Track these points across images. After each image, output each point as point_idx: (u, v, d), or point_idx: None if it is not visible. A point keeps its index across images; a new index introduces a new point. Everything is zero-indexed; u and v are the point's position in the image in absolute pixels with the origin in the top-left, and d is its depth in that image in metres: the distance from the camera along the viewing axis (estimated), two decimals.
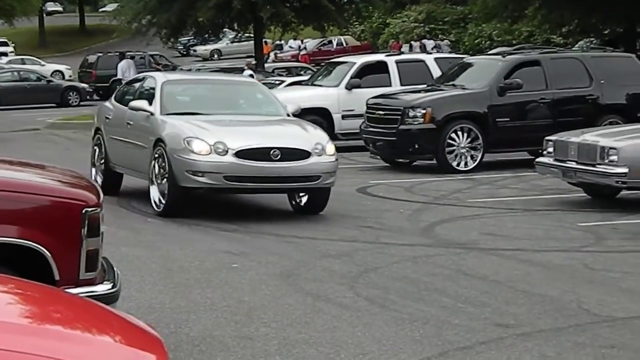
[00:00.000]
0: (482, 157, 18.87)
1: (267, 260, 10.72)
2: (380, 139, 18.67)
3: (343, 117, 22.71)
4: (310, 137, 12.48)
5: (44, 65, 55.50)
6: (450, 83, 20.19)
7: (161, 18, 35.60)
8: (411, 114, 18.87)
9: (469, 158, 18.80)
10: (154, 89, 13.89)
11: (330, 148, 11.94)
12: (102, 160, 14.90)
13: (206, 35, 46.79)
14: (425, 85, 20.67)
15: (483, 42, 46.00)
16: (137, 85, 15.70)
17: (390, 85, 22.89)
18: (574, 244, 12.18)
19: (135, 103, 13.66)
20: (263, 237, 12.34)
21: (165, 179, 12.35)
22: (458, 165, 18.81)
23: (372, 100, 19.91)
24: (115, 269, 6.16)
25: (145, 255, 11.55)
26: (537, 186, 16.68)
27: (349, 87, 22.72)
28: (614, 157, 13.65)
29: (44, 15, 72.33)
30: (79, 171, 7.49)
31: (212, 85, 15.75)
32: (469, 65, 21.92)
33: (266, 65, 34.84)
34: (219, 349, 7.51)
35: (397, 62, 24.93)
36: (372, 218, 13.95)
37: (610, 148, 13.81)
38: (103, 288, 5.78)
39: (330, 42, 57.75)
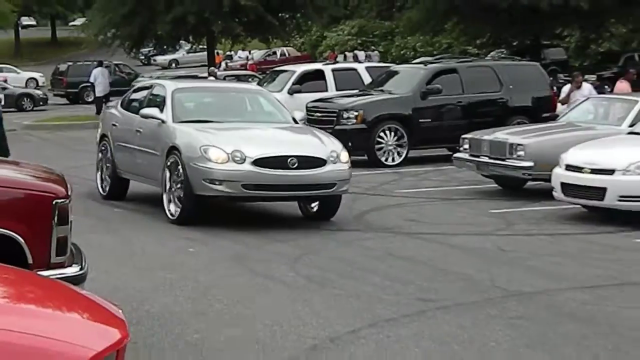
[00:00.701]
0: (407, 153, 19.24)
1: (220, 245, 10.64)
2: None
3: None
4: (326, 145, 11.33)
5: (19, 72, 55.78)
6: (379, 89, 20.55)
7: (124, 31, 35.35)
8: (345, 115, 19.13)
9: (395, 154, 19.09)
10: (164, 97, 12.44)
11: (345, 156, 10.98)
12: (109, 166, 13.41)
13: (165, 47, 46.53)
14: (357, 91, 20.99)
15: (408, 52, 46.69)
16: (144, 93, 14.05)
17: (327, 91, 23.28)
18: (487, 229, 12.39)
19: (146, 111, 12.17)
20: (216, 224, 11.92)
21: (179, 187, 11.12)
22: (386, 160, 19.08)
23: (311, 104, 20.11)
24: (83, 253, 6.10)
25: (112, 241, 11.42)
26: (455, 178, 16.79)
27: (291, 92, 22.88)
28: (521, 153, 14.04)
29: (20, 28, 71.90)
30: (51, 167, 7.10)
31: (220, 93, 14.24)
32: (396, 73, 22.33)
33: (218, 73, 34.75)
34: (177, 323, 7.45)
35: (333, 70, 25.40)
36: None
37: (518, 145, 14.24)
38: (72, 270, 5.81)
39: (274, 52, 58.45)
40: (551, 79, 23.12)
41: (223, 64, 51.14)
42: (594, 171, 12.70)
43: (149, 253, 10.79)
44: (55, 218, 5.89)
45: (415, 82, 19.42)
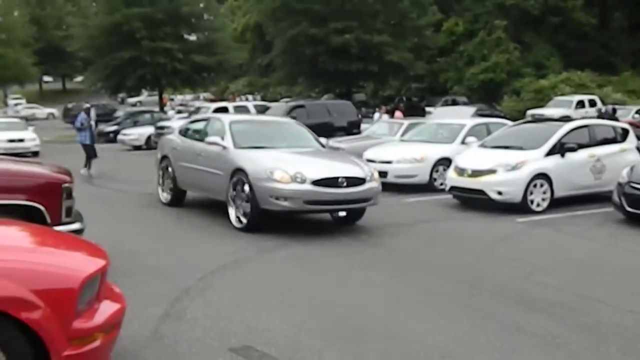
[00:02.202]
0: None
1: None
2: None
3: None
4: (363, 166, 9.69)
5: (42, 109, 62.77)
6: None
7: (107, 84, 40.44)
8: None
9: None
10: (222, 127, 10.50)
11: (376, 174, 9.51)
12: (171, 181, 11.37)
13: (132, 93, 54.20)
14: None
15: (277, 95, 47.04)
16: (202, 124, 11.91)
17: None
18: None
19: (211, 139, 10.15)
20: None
21: (245, 201, 9.11)
22: None
23: None
24: (82, 216, 6.51)
25: (105, 210, 11.16)
26: None
27: None
28: None
29: (42, 82, 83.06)
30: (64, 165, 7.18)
31: (265, 124, 12.07)
32: (268, 108, 24.36)
33: (169, 111, 38.75)
34: (144, 261, 7.25)
35: (234, 106, 26.68)
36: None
37: (339, 148, 14.57)
38: (75, 226, 6.11)
39: (198, 97, 59.78)
40: (358, 111, 24.18)
41: (168, 104, 52.34)
42: (381, 162, 13.28)
43: (132, 216, 10.73)
44: (64, 195, 6.09)
45: (281, 113, 19.87)
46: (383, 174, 12.41)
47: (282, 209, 8.80)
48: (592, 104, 30.49)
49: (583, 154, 11.10)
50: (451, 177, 11.40)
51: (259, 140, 10.25)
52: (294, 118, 18.89)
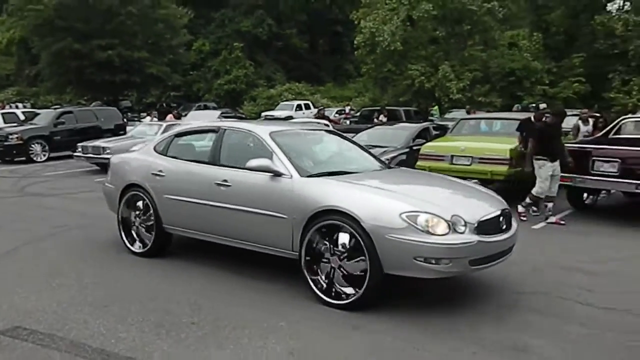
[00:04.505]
0: (49, 154, 16.74)
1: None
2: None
3: None
4: (493, 194, 5.18)
5: None
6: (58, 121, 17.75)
7: None
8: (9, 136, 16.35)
9: (42, 155, 16.62)
10: (258, 143, 5.25)
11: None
12: (151, 222, 5.91)
13: None
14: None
15: (49, 104, 42.21)
16: (205, 139, 5.99)
17: None
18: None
19: (256, 163, 4.89)
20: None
21: (352, 261, 4.32)
22: (37, 158, 16.50)
23: None
24: None
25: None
26: (75, 165, 14.94)
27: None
28: (108, 150, 13.34)
29: None
30: None
31: (308, 136, 6.17)
32: (38, 114, 19.76)
33: None
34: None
35: (1, 113, 21.56)
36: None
37: (105, 147, 13.91)
38: None
39: None
40: (124, 115, 22.64)
41: None
42: None
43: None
44: None
45: (48, 118, 17.54)
46: None
47: (429, 275, 4.25)
48: (307, 107, 33.35)
49: None
50: None
51: (322, 160, 5.57)
52: (62, 123, 17.25)
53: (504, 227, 4.64)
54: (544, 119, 8.80)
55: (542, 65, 32.73)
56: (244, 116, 27.87)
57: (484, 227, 4.40)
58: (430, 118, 25.94)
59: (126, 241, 6.24)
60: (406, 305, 4.64)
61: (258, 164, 4.96)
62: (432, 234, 4.15)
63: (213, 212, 5.35)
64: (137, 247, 6.14)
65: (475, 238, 4.29)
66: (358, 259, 4.39)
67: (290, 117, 25.12)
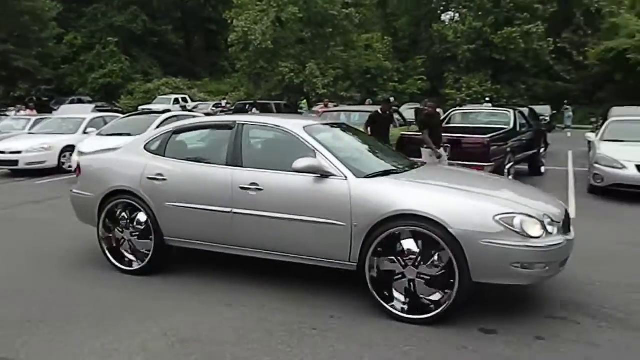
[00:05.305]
0: None
1: None
2: None
3: None
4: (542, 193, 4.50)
5: None
6: None
7: None
8: None
9: None
10: (288, 141, 4.12)
11: None
12: (149, 234, 4.53)
13: None
14: None
15: None
16: (211, 137, 4.75)
17: None
18: None
19: (304, 163, 3.81)
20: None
21: (434, 271, 3.46)
22: None
23: None
24: None
25: None
26: None
27: None
28: None
29: None
30: None
31: (332, 130, 4.80)
32: None
33: None
34: None
35: None
36: None
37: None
38: None
39: None
40: None
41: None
42: (11, 152, 11.55)
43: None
44: None
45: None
46: (14, 162, 11.49)
47: (527, 281, 3.58)
48: (185, 100, 32.13)
49: None
50: (75, 160, 10.17)
51: (361, 158, 4.47)
52: None
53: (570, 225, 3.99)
54: (424, 111, 8.38)
55: (392, 65, 35.34)
56: (120, 110, 26.52)
57: (565, 226, 3.82)
58: (300, 111, 26.93)
59: (112, 258, 4.83)
60: (278, 283, 4.46)
61: (307, 164, 3.91)
62: (530, 237, 3.44)
63: (237, 221, 4.19)
64: (127, 264, 4.78)
65: (564, 238, 3.67)
66: (440, 269, 3.53)
67: (169, 110, 24.25)
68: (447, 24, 37.22)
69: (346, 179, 3.87)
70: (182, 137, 4.93)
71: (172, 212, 4.52)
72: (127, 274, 4.80)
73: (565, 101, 29.03)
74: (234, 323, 3.72)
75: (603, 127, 9.81)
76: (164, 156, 4.74)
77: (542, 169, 10.95)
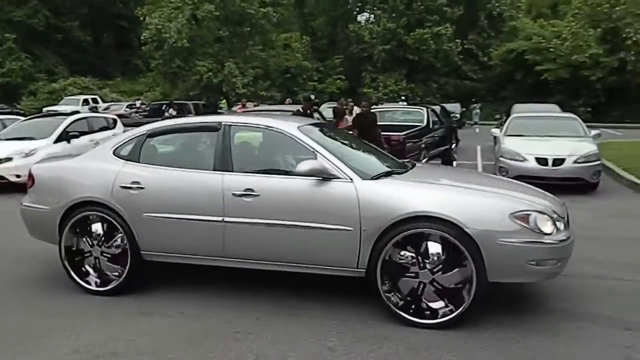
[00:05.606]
0: None
1: None
2: None
3: None
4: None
5: None
6: None
7: None
8: None
9: None
10: (282, 142, 3.80)
11: None
12: (124, 251, 3.94)
13: None
14: None
15: None
16: (193, 141, 4.21)
17: None
18: None
19: (307, 166, 3.47)
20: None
21: (437, 274, 3.28)
22: None
23: None
24: None
25: None
26: None
27: None
28: None
29: None
30: None
31: (323, 130, 4.34)
32: None
33: None
34: None
35: None
36: None
37: None
38: None
39: None
40: None
41: None
42: None
43: None
44: None
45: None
46: None
47: (540, 278, 3.59)
48: (95, 101, 30.33)
49: (85, 140, 10.63)
50: None
51: (358, 158, 4.14)
52: None
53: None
54: (360, 110, 8.07)
55: (311, 64, 35.81)
56: (22, 112, 24.46)
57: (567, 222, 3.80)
58: (219, 111, 26.38)
59: (77, 278, 4.21)
60: (199, 289, 4.23)
61: (310, 167, 3.59)
62: (544, 234, 3.37)
63: (230, 230, 3.78)
64: (97, 284, 4.19)
65: (570, 233, 3.59)
66: (454, 270, 3.39)
67: (77, 112, 22.74)
68: (362, 24, 38.38)
69: (351, 181, 3.60)
70: (158, 140, 4.38)
71: (151, 224, 3.99)
72: (97, 295, 4.16)
73: (473, 99, 31.16)
74: (152, 333, 3.53)
75: (506, 123, 10.37)
76: (138, 162, 4.17)
77: (454, 164, 11.27)
